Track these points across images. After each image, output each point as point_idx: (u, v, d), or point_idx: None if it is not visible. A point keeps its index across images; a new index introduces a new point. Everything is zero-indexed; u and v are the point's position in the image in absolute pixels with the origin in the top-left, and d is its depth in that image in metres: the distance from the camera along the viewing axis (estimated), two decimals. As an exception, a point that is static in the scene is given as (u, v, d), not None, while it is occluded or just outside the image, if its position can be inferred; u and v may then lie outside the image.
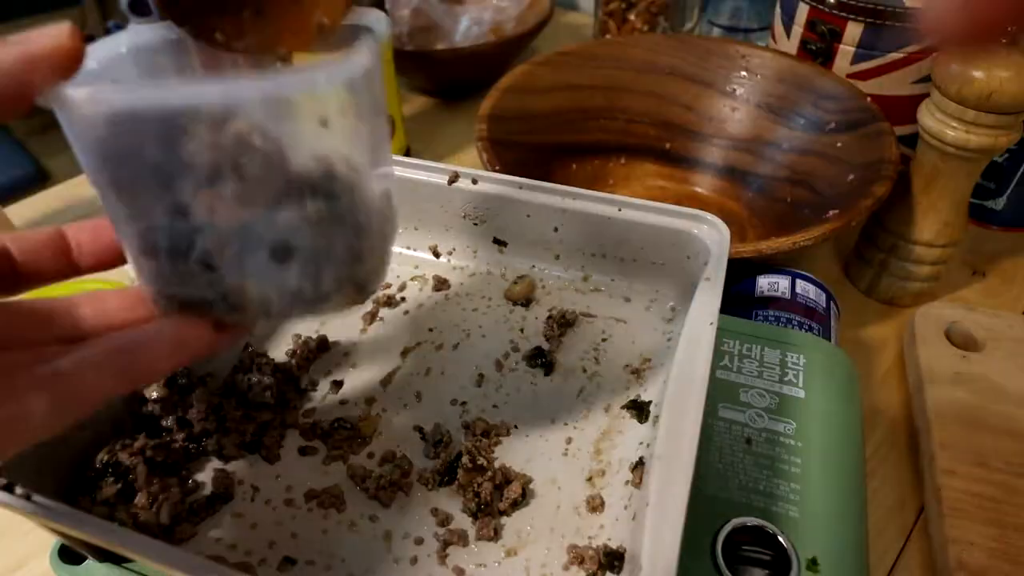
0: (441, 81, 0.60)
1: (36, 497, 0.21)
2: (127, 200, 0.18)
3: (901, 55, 0.43)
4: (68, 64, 0.16)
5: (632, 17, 0.61)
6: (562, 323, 0.31)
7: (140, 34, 0.20)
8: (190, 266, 0.18)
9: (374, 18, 0.20)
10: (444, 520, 0.25)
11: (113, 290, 0.20)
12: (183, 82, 0.16)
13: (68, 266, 0.21)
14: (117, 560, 0.24)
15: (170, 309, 0.19)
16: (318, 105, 0.17)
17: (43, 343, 0.19)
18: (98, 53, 0.19)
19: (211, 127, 0.16)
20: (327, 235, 0.18)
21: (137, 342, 0.18)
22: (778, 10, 0.50)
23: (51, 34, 0.16)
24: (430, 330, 0.31)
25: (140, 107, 0.16)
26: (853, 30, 0.44)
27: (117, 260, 0.21)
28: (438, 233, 0.34)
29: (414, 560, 0.24)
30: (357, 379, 0.29)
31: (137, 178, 0.17)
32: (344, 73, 0.16)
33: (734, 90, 0.49)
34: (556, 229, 0.32)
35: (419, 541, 0.24)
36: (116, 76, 0.19)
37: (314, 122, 0.17)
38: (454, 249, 0.34)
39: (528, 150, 0.45)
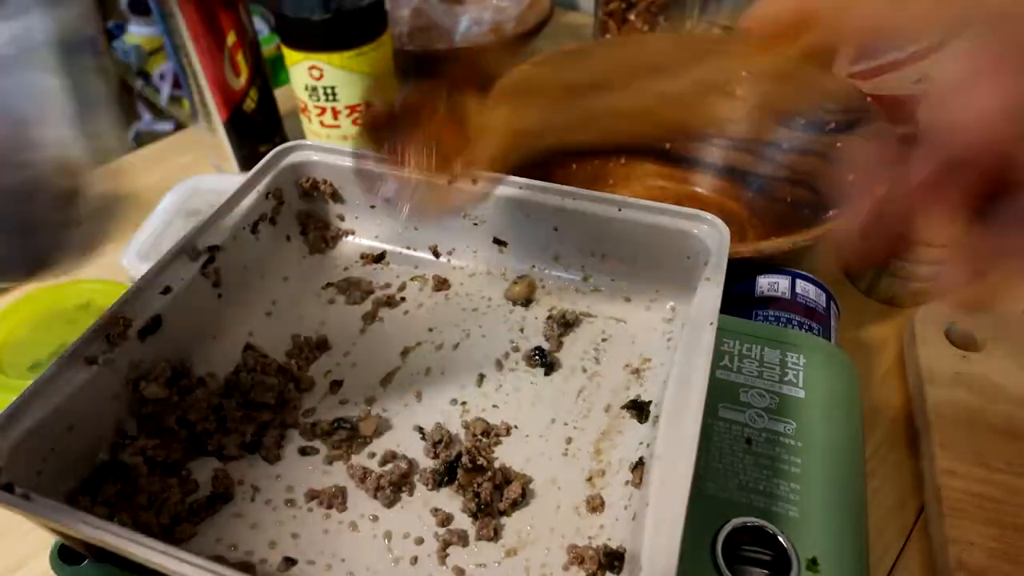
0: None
1: (35, 497, 0.21)
2: None
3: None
4: None
5: (632, 17, 0.61)
6: (562, 323, 0.31)
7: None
8: None
9: None
10: (444, 520, 0.24)
11: None
12: None
13: None
14: (115, 559, 0.24)
15: None
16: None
17: None
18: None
19: None
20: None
21: None
22: (778, 10, 0.50)
23: None
24: (430, 330, 0.31)
25: None
26: (853, 30, 0.44)
27: None
28: (438, 233, 0.34)
29: (414, 560, 0.24)
30: (357, 379, 0.29)
31: None
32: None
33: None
34: (556, 229, 0.32)
35: (419, 541, 0.24)
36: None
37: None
38: (454, 249, 0.34)
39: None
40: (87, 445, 0.25)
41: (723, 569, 0.23)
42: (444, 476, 0.25)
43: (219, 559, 0.23)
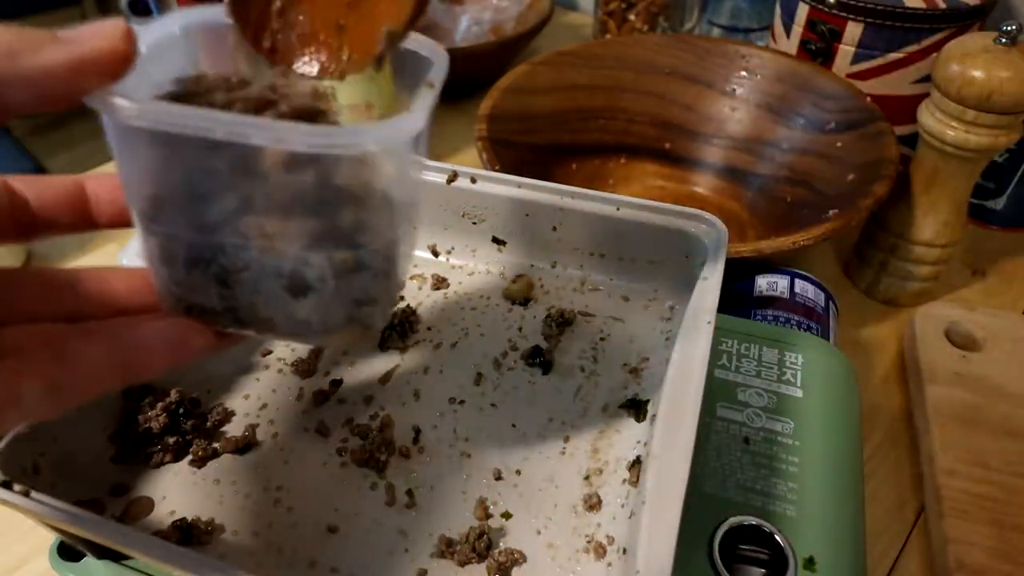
0: (441, 81, 0.60)
1: (34, 494, 0.21)
2: (155, 208, 0.17)
3: (901, 55, 0.43)
4: (119, 68, 0.15)
5: (632, 17, 0.61)
6: (560, 322, 0.31)
7: (194, 15, 0.19)
8: (205, 279, 0.18)
9: (433, 51, 0.19)
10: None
11: (119, 270, 0.20)
12: (233, 115, 0.15)
13: (84, 219, 0.20)
14: (115, 557, 0.24)
15: (175, 309, 0.19)
16: (364, 161, 0.17)
17: (43, 317, 0.18)
18: (149, 35, 0.18)
19: (254, 164, 0.16)
20: (347, 281, 0.18)
21: (139, 341, 0.18)
22: (778, 10, 0.50)
23: (103, 35, 0.15)
24: (428, 329, 0.31)
25: (185, 131, 0.15)
26: (853, 30, 0.44)
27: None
28: (437, 232, 0.34)
29: (406, 550, 0.24)
30: (355, 377, 0.29)
31: (172, 193, 0.17)
32: (395, 137, 0.16)
33: (734, 90, 0.49)
34: (555, 228, 0.32)
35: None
36: (166, 61, 0.19)
37: (356, 176, 0.17)
38: (453, 248, 0.34)
39: (528, 150, 0.45)
40: (87, 441, 0.25)
41: (720, 568, 0.23)
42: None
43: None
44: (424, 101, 0.17)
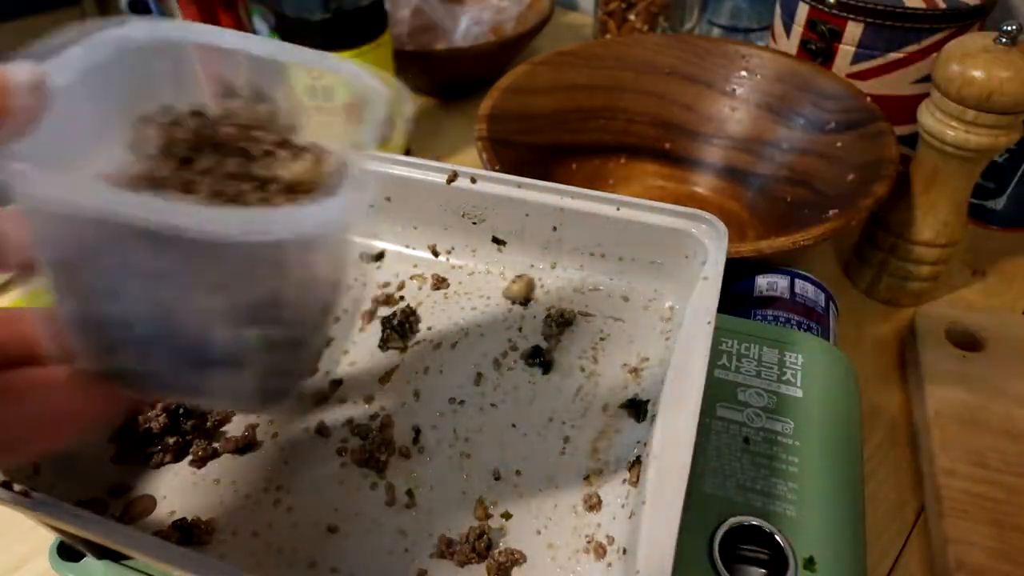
0: (441, 81, 0.60)
1: (35, 494, 0.21)
2: (64, 277, 0.16)
3: (901, 55, 0.43)
4: (21, 126, 0.13)
5: (632, 17, 0.61)
6: (560, 322, 0.31)
7: (132, 33, 0.18)
8: (117, 346, 0.17)
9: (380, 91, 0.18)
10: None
11: (35, 311, 0.18)
12: (146, 196, 0.14)
13: None
14: (115, 557, 0.24)
15: (87, 367, 0.17)
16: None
17: None
18: (77, 62, 0.17)
19: (173, 242, 0.14)
20: (264, 357, 0.17)
21: (28, 415, 0.16)
22: (778, 10, 0.50)
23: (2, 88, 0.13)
24: (428, 329, 0.31)
25: (90, 210, 0.13)
26: (853, 30, 0.44)
27: None
28: (437, 232, 0.34)
29: (406, 550, 0.24)
30: (355, 377, 0.29)
31: (78, 264, 0.16)
32: (334, 221, 0.15)
33: (734, 90, 0.49)
34: (555, 228, 0.32)
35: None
36: (108, 83, 0.17)
37: (281, 256, 0.16)
38: (453, 248, 0.34)
39: (528, 150, 0.45)
40: (87, 441, 0.25)
41: (720, 568, 0.23)
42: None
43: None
44: (360, 183, 0.16)
